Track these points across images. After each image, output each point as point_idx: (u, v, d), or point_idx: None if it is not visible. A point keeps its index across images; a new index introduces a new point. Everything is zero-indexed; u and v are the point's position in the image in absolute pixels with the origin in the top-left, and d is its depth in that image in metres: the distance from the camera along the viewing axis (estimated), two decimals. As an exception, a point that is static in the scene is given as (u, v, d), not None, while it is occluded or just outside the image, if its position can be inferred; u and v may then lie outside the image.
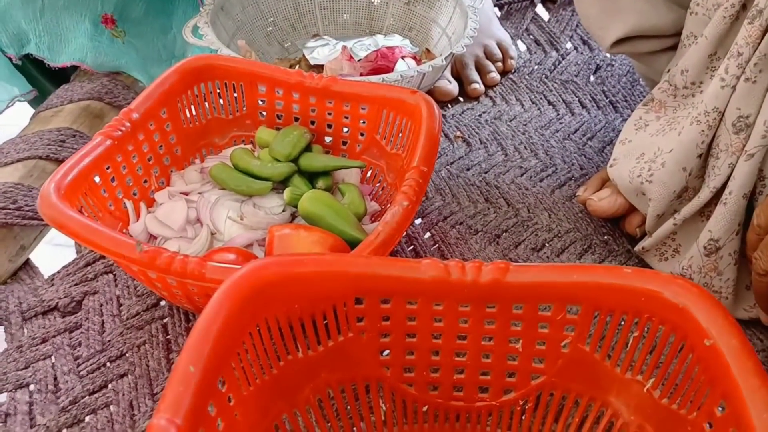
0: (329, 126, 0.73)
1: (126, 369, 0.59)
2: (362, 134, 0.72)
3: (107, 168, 0.62)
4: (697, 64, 0.60)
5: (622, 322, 0.46)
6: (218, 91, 0.72)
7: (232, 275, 0.45)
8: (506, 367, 0.50)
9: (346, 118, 0.72)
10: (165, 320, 0.63)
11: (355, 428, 0.53)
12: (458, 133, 0.87)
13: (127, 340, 0.61)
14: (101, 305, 0.64)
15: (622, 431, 0.48)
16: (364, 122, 0.71)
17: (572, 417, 0.51)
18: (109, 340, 0.61)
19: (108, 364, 0.60)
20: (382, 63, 0.87)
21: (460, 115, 0.89)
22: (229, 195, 0.67)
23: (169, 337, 0.62)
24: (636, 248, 0.68)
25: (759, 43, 0.54)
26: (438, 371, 0.51)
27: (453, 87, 0.92)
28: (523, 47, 1.03)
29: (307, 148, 0.71)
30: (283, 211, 0.67)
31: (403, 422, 0.53)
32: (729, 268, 0.60)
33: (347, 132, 0.73)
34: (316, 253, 0.53)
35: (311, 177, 0.70)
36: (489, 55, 0.96)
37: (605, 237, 0.72)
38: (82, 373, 0.59)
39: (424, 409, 0.53)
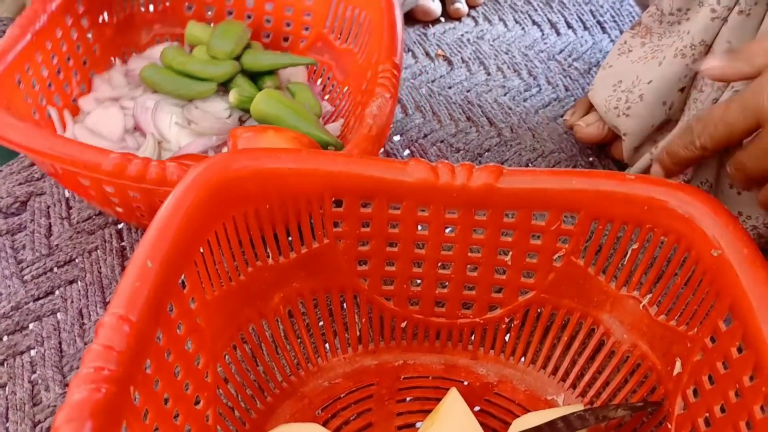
0: (268, 21, 0.67)
1: (75, 275, 0.54)
2: (307, 29, 0.66)
3: (27, 69, 0.53)
4: None
5: (621, 234, 0.43)
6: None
7: (196, 166, 0.40)
8: (493, 281, 0.47)
9: (289, 10, 0.66)
10: (120, 226, 0.58)
11: (327, 344, 0.49)
12: (439, 51, 0.82)
13: (77, 245, 0.56)
14: (48, 207, 0.59)
15: (614, 350, 0.46)
16: (309, 15, 0.65)
17: (561, 336, 0.48)
18: (56, 244, 0.56)
19: (55, 269, 0.55)
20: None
21: (441, 34, 0.84)
22: (167, 99, 0.60)
23: (124, 243, 0.57)
24: None
25: None
26: (419, 284, 0.48)
27: (435, 6, 0.87)
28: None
29: (247, 46, 0.64)
30: (230, 115, 0.60)
31: (380, 339, 0.49)
32: None
33: (290, 27, 0.67)
34: (290, 149, 0.48)
35: (254, 77, 0.63)
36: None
37: (590, 158, 0.68)
38: (26, 277, 0.54)
39: (403, 325, 0.49)
